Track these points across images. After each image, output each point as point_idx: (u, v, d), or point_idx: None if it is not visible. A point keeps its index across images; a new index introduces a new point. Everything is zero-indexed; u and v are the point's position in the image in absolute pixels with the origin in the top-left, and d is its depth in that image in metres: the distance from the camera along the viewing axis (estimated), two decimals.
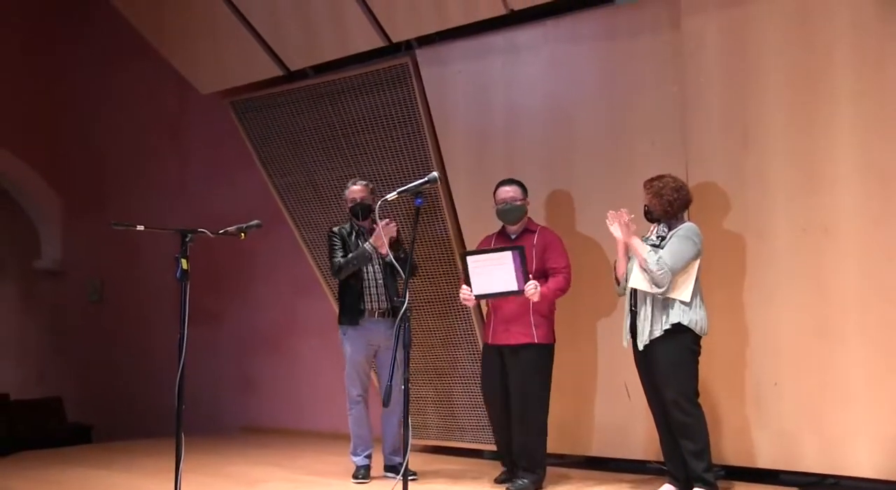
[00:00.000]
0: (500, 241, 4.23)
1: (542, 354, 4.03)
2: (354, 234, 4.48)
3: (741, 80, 4.10)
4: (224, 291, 6.75)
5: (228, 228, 3.71)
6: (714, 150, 4.17)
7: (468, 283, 3.98)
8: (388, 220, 4.31)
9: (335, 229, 4.53)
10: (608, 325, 4.44)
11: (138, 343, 7.29)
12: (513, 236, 4.18)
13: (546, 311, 4.07)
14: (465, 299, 4.03)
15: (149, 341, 7.12)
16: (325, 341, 6.07)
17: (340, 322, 4.49)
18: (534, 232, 4.15)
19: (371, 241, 4.36)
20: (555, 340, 4.11)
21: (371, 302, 4.40)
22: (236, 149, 6.13)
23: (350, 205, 4.46)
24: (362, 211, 4.44)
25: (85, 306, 7.95)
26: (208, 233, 3.63)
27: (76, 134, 7.99)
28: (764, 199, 4.03)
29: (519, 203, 4.15)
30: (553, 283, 4.04)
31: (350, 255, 4.41)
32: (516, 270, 3.88)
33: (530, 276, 3.92)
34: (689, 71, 4.23)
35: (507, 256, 3.90)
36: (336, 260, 4.46)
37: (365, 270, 4.41)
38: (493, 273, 3.90)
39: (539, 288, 3.92)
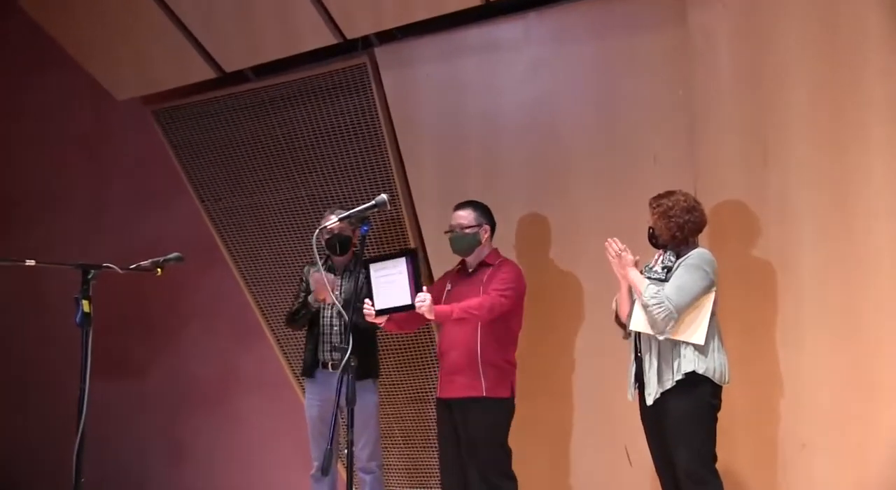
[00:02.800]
0: (456, 278, 4.25)
1: (495, 410, 4.06)
2: (326, 269, 4.52)
3: (759, 84, 4.10)
4: (152, 338, 6.66)
5: (142, 263, 3.70)
6: (728, 166, 4.18)
7: (370, 296, 3.99)
8: (319, 271, 4.35)
9: (304, 270, 4.66)
10: (606, 376, 4.39)
11: (45, 402, 7.06)
12: (470, 270, 4.23)
13: (498, 359, 4.08)
14: (367, 315, 4.00)
15: (58, 399, 6.89)
16: (273, 400, 6.00)
17: (302, 374, 4.64)
18: (490, 266, 4.18)
19: (313, 295, 4.46)
20: (512, 394, 4.11)
21: (325, 351, 4.48)
22: (167, 168, 6.08)
23: (326, 239, 4.52)
24: (340, 244, 4.47)
25: None
26: (116, 269, 3.59)
27: None
28: (787, 225, 4.04)
29: (468, 231, 4.19)
30: (466, 302, 4.00)
31: (294, 308, 4.59)
32: (409, 280, 3.91)
33: (424, 288, 3.92)
34: (697, 73, 4.24)
35: (402, 263, 3.93)
36: (290, 309, 4.64)
37: (321, 314, 4.49)
38: (392, 283, 3.95)
39: (429, 302, 3.86)
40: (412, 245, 5.02)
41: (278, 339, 5.59)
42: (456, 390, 4.10)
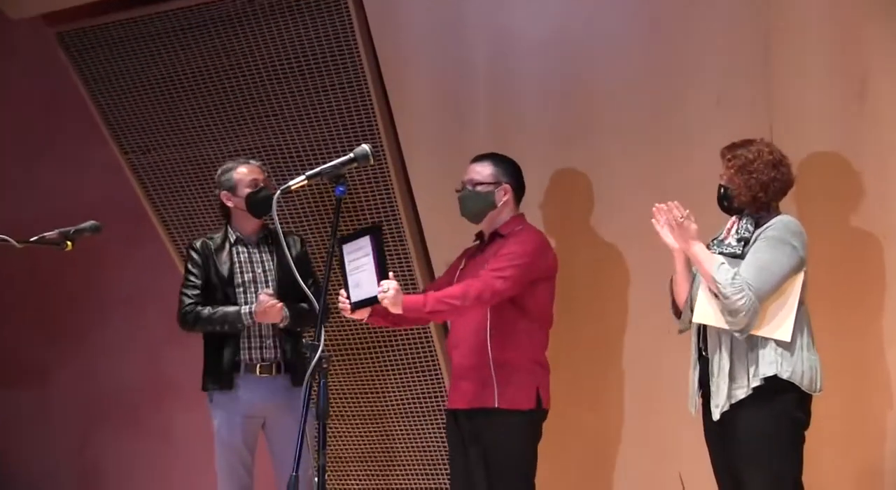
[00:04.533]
0: (472, 254, 4.26)
1: (511, 428, 4.06)
2: (229, 248, 4.51)
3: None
4: (58, 335, 6.63)
5: (46, 235, 3.71)
6: (814, 107, 4.18)
7: (345, 286, 4.07)
8: (269, 297, 4.33)
9: (198, 244, 4.57)
10: (658, 381, 4.40)
11: None
12: (485, 241, 4.29)
13: (516, 358, 4.09)
14: (342, 309, 4.09)
15: None
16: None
17: (205, 385, 4.51)
18: (503, 237, 4.20)
19: (253, 308, 4.35)
20: (539, 406, 4.11)
21: (252, 350, 4.43)
22: (78, 109, 6.00)
23: (247, 190, 4.47)
24: (262, 204, 4.40)
25: None
26: (13, 242, 3.63)
27: None
28: (890, 183, 4.04)
29: (480, 189, 4.21)
30: (444, 291, 4.06)
31: (212, 311, 4.41)
32: (374, 265, 3.97)
33: (391, 274, 3.96)
34: None
35: (366, 242, 4.00)
36: (184, 301, 4.46)
37: (243, 299, 4.44)
38: (363, 270, 4.02)
39: (393, 292, 3.87)
40: (399, 212, 5.01)
41: None
42: (461, 399, 4.12)
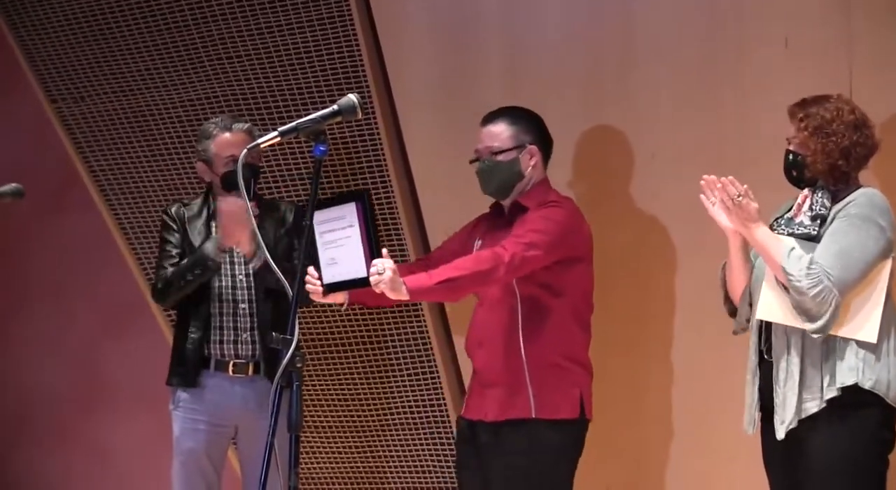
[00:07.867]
0: (489, 227, 4.28)
1: (552, 441, 4.10)
2: (206, 219, 4.60)
3: None
4: None
5: None
6: None
7: (316, 263, 4.07)
8: (234, 197, 4.40)
9: (173, 210, 4.67)
10: (702, 391, 4.47)
11: None
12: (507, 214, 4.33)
13: (556, 357, 4.12)
14: (312, 292, 4.07)
15: None
16: (159, 422, 5.71)
17: (169, 381, 4.59)
18: (527, 209, 4.20)
19: (217, 233, 4.44)
20: (581, 415, 4.13)
21: (225, 346, 4.50)
22: None
23: (223, 169, 4.55)
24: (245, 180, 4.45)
25: None
26: None
27: None
28: None
29: (502, 157, 4.22)
30: (454, 262, 4.00)
31: (184, 261, 4.53)
32: (363, 240, 3.96)
33: (384, 251, 3.92)
34: None
35: (351, 211, 3.98)
36: (162, 272, 4.56)
37: (217, 287, 4.51)
38: (343, 245, 4.02)
39: (393, 272, 3.81)
40: (390, 177, 5.01)
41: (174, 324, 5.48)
42: (486, 409, 4.13)
